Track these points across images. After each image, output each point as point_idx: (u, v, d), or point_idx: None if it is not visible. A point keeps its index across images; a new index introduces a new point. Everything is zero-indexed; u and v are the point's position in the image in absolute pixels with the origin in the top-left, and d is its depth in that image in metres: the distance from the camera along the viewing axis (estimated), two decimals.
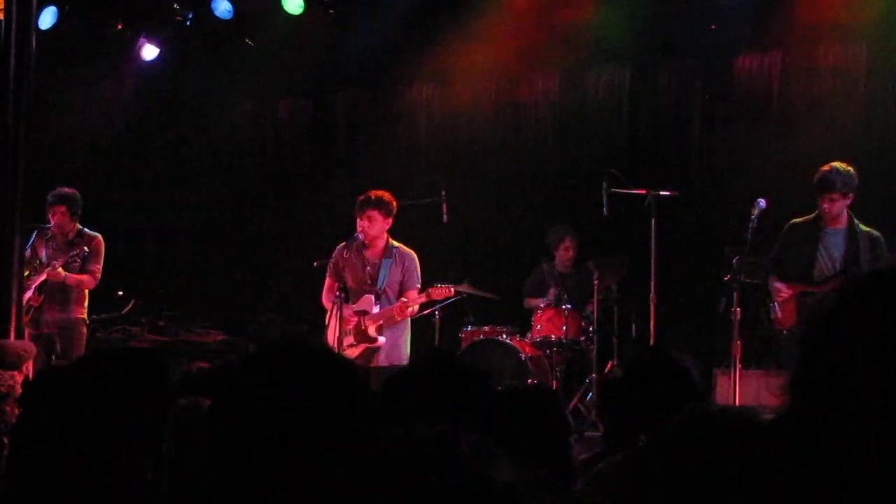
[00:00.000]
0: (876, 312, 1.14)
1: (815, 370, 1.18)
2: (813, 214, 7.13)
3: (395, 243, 7.83)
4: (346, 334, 7.64)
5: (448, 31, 10.13)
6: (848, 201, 7.00)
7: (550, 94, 10.41)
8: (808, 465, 1.15)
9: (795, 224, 7.20)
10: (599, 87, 10.19)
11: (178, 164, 11.38)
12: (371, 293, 7.73)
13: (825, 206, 6.98)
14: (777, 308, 7.17)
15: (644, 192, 8.16)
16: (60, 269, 8.08)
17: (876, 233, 7.05)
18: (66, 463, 2.13)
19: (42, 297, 8.14)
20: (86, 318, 8.41)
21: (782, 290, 7.12)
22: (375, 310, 7.71)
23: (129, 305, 10.28)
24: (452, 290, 7.89)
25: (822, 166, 7.03)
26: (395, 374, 2.32)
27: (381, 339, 7.67)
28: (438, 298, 7.97)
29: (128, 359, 2.29)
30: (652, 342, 7.86)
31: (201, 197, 11.41)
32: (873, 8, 8.78)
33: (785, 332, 7.05)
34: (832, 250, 7.10)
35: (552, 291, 8.98)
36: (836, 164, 7.00)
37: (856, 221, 7.08)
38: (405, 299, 7.63)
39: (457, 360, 2.41)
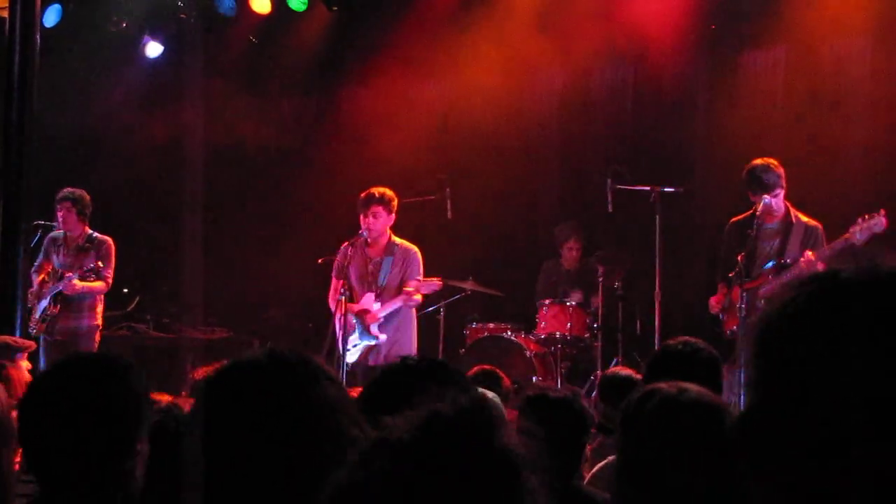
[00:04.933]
0: (820, 317, 1.16)
1: (766, 372, 1.20)
2: (751, 210, 7.10)
3: (398, 240, 7.83)
4: (349, 333, 7.64)
5: (452, 29, 10.13)
6: (780, 194, 7.01)
7: (555, 90, 10.40)
8: (770, 461, 1.17)
9: (735, 222, 7.20)
10: (604, 82, 10.18)
11: (181, 162, 11.37)
12: (372, 291, 7.74)
13: (773, 201, 6.98)
14: (723, 315, 7.20)
15: (648, 188, 8.15)
16: (76, 283, 8.09)
17: (814, 224, 7.07)
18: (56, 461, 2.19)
19: (59, 307, 8.17)
20: (99, 323, 8.43)
21: (714, 306, 7.17)
22: (376, 307, 7.71)
23: (134, 303, 10.30)
24: (439, 281, 7.86)
25: (748, 166, 7.06)
26: (376, 378, 2.30)
27: (383, 337, 7.66)
28: (427, 292, 7.90)
29: (99, 365, 2.34)
30: (658, 338, 7.84)
31: (205, 194, 11.40)
32: (877, 3, 8.77)
33: (729, 333, 7.05)
34: (767, 244, 7.12)
35: (576, 294, 8.97)
36: (760, 161, 7.02)
37: (793, 213, 7.09)
38: (408, 288, 7.62)
39: (441, 363, 2.38)
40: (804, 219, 7.10)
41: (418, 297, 7.70)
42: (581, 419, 3.34)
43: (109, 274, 8.33)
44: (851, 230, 6.64)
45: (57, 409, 2.21)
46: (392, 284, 7.75)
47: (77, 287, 8.11)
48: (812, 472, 1.12)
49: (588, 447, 4.18)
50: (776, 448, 1.16)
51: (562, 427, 3.25)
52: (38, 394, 2.30)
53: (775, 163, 7.05)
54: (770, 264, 7.08)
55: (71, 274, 8.10)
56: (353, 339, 7.69)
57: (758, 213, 7.00)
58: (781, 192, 7.03)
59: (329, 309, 7.91)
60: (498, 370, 4.76)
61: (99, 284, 8.26)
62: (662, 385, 2.14)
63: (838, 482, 1.11)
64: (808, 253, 6.84)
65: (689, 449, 2.00)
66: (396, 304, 7.66)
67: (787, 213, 7.11)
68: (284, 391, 1.62)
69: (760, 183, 6.96)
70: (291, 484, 1.54)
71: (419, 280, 7.71)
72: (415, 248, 7.81)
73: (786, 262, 6.97)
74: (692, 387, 2.12)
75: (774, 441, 1.16)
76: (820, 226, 7.08)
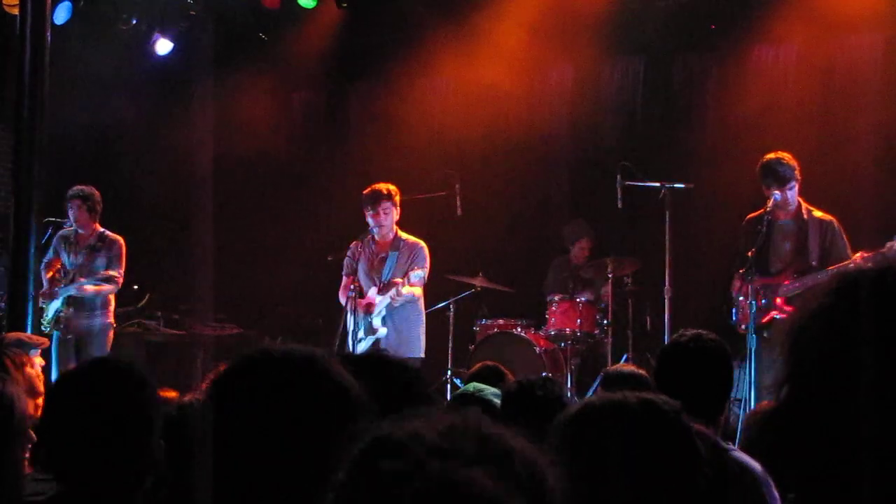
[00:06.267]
0: (850, 314, 1.17)
1: (797, 370, 1.21)
2: (765, 207, 7.09)
3: (405, 235, 7.85)
4: (358, 328, 7.65)
5: (462, 24, 10.12)
6: (793, 189, 7.00)
7: (565, 86, 10.39)
8: (798, 460, 1.17)
9: (751, 219, 7.19)
10: (613, 79, 10.17)
11: (191, 158, 11.39)
12: (376, 286, 7.75)
13: (787, 194, 6.98)
14: (738, 307, 7.18)
15: (658, 184, 8.13)
16: (88, 288, 8.18)
17: (828, 218, 7.05)
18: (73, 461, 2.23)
19: (71, 308, 8.20)
20: (112, 321, 8.45)
21: (734, 289, 7.18)
22: (377, 301, 7.72)
23: (145, 300, 10.32)
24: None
25: (762, 160, 7.05)
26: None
27: (383, 331, 7.66)
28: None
29: (111, 372, 2.39)
30: (668, 334, 7.83)
31: (215, 190, 11.42)
32: (890, 0, 8.73)
33: (743, 326, 7.04)
34: (783, 241, 7.10)
35: (587, 293, 8.98)
36: (773, 155, 7.01)
37: (805, 208, 7.07)
38: (396, 279, 7.59)
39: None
40: (817, 214, 7.07)
41: (408, 290, 7.59)
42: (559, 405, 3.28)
43: (120, 273, 8.37)
44: None
45: (80, 411, 2.26)
46: (397, 278, 7.75)
47: (89, 291, 8.18)
48: (839, 467, 1.13)
49: None
50: (804, 443, 1.16)
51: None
52: (62, 395, 2.34)
53: (788, 156, 7.04)
54: (788, 262, 7.06)
55: (83, 279, 8.16)
56: (360, 334, 7.71)
57: (767, 209, 6.99)
58: (796, 186, 7.02)
59: (340, 305, 7.92)
60: (501, 366, 4.73)
61: (110, 286, 8.31)
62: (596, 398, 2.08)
63: (865, 476, 1.11)
64: (858, 255, 6.79)
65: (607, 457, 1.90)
66: (386, 298, 7.65)
67: (800, 209, 7.09)
68: (291, 384, 1.63)
69: (775, 176, 6.95)
70: (296, 475, 1.55)
71: (420, 270, 7.63)
72: (422, 243, 7.81)
73: (810, 263, 6.95)
74: (629, 395, 2.03)
75: (803, 436, 1.16)
76: (834, 219, 7.05)
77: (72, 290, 8.15)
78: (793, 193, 7.04)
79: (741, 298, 7.13)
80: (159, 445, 2.31)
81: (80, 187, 8.40)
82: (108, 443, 2.23)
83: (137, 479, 2.26)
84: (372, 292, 7.73)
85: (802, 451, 1.17)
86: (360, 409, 1.63)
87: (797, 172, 7.01)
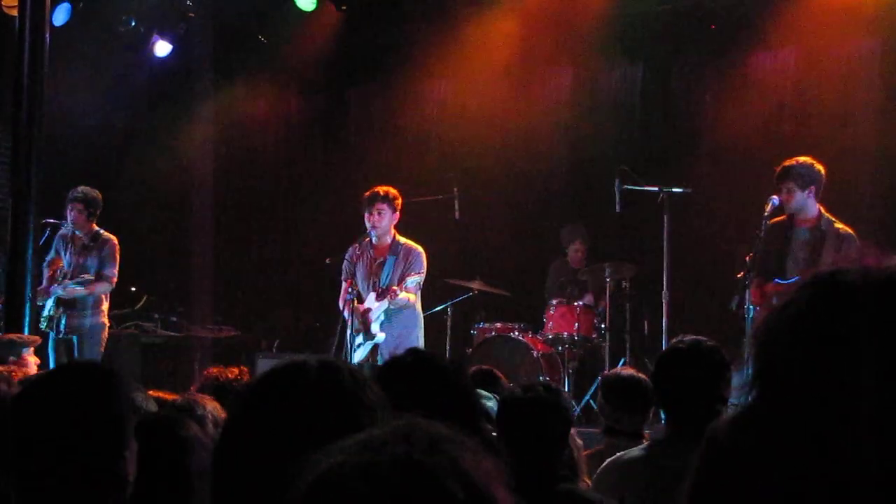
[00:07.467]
0: (816, 314, 1.17)
1: (766, 370, 1.21)
2: (784, 215, 7.07)
3: (402, 239, 7.82)
4: (356, 333, 7.63)
5: (461, 27, 10.13)
6: (808, 194, 6.94)
7: (563, 91, 10.39)
8: (769, 459, 1.17)
9: (772, 223, 7.18)
10: (612, 83, 10.18)
11: (190, 161, 11.40)
12: (374, 290, 7.74)
13: (783, 197, 6.95)
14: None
15: (656, 188, 8.13)
16: (73, 289, 8.14)
17: (847, 230, 6.99)
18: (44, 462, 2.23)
19: (61, 308, 8.17)
20: (106, 321, 8.40)
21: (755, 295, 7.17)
22: (375, 306, 7.71)
23: (142, 301, 10.32)
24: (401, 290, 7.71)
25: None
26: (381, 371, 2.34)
27: (381, 336, 7.64)
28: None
29: (86, 373, 2.39)
30: (665, 339, 7.82)
31: (214, 192, 11.42)
32: (885, 4, 8.74)
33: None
34: (799, 248, 7.08)
35: (587, 296, 8.98)
36: (801, 158, 6.98)
37: (826, 218, 7.03)
38: (394, 287, 7.56)
39: (435, 357, 2.42)
40: (837, 225, 7.00)
41: (404, 296, 7.57)
42: (558, 413, 3.25)
43: (113, 273, 8.31)
44: None
45: (45, 417, 2.26)
46: (393, 284, 7.73)
47: (75, 292, 8.16)
48: (806, 471, 1.12)
49: (593, 449, 4.16)
50: (772, 447, 1.16)
51: (540, 424, 3.17)
52: (27, 402, 2.34)
53: (808, 161, 6.98)
54: (801, 269, 7.03)
55: (69, 281, 8.14)
56: (359, 339, 7.70)
57: (765, 213, 6.99)
58: (797, 189, 6.95)
59: (338, 309, 7.90)
60: (495, 371, 4.72)
61: (101, 285, 8.25)
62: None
63: (833, 479, 1.11)
64: None
65: None
66: (384, 304, 7.62)
67: (819, 218, 7.04)
68: (333, 393, 1.64)
69: (778, 172, 6.94)
70: None
71: (416, 275, 7.61)
72: (419, 248, 7.78)
73: None
74: None
75: (771, 440, 1.16)
76: (853, 232, 7.01)
77: (59, 292, 8.13)
78: (804, 201, 6.97)
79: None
80: (132, 452, 2.29)
81: (82, 189, 8.35)
82: (74, 448, 2.22)
83: (105, 488, 2.24)
84: (370, 298, 7.71)
85: (771, 452, 1.17)
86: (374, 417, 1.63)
87: (807, 177, 6.94)
